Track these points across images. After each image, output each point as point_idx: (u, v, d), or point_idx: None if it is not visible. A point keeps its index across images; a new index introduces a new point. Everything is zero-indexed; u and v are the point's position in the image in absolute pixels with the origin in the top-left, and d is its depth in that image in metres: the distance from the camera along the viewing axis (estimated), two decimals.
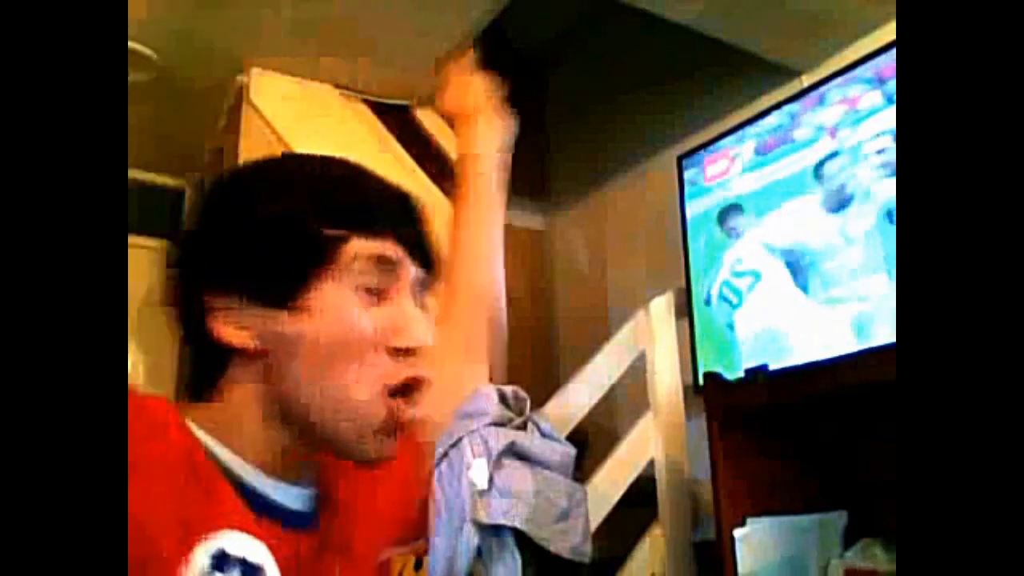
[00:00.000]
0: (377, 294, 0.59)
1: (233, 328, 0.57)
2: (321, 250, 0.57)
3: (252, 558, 0.55)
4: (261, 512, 0.57)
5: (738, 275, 2.01)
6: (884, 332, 1.65)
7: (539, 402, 1.80)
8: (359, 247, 0.58)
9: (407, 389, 0.59)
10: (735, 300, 2.00)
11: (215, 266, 0.59)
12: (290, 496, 0.60)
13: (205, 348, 0.59)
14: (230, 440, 0.58)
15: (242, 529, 0.55)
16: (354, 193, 0.61)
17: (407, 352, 0.59)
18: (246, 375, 0.59)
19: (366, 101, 2.44)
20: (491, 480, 1.52)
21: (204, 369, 0.61)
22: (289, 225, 0.57)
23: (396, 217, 0.61)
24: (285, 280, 0.57)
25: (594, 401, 1.96)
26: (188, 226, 0.62)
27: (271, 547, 0.57)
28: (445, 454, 1.58)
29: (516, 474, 1.55)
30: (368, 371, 0.57)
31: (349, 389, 0.57)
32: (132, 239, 2.62)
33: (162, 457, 0.53)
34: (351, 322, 0.57)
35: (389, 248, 0.59)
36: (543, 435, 1.67)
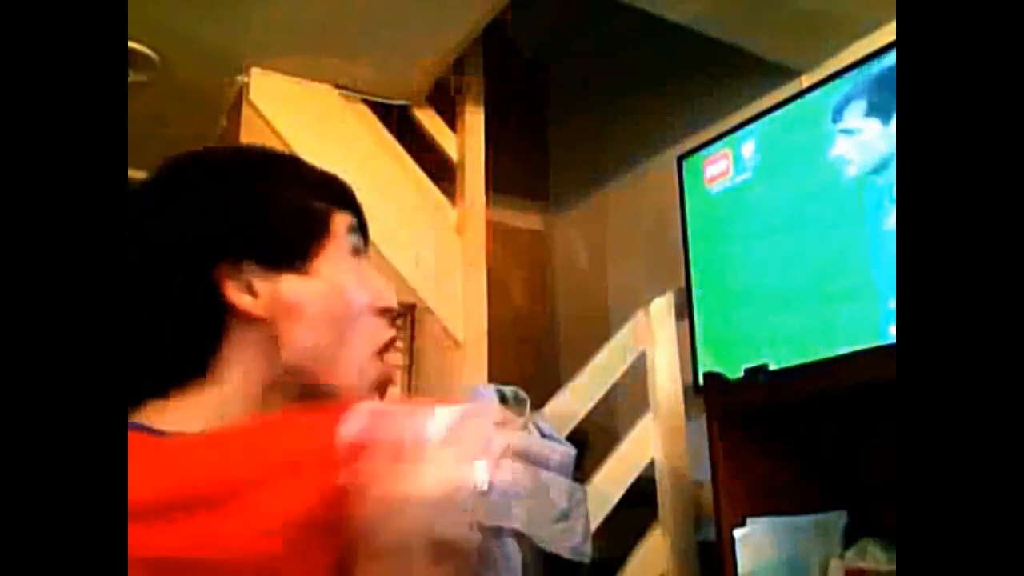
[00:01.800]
0: (360, 257, 0.66)
1: (247, 296, 0.60)
2: (321, 222, 0.64)
3: None
4: None
5: None
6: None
7: (539, 402, 1.80)
8: (341, 218, 0.66)
9: (388, 348, 0.65)
10: None
11: (231, 240, 0.61)
12: None
13: (201, 326, 0.60)
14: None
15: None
16: (325, 175, 0.69)
17: (389, 312, 0.66)
18: (246, 350, 0.60)
19: (366, 101, 2.44)
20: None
21: (192, 353, 0.60)
22: (301, 202, 0.64)
23: (351, 196, 0.69)
24: (296, 248, 0.62)
25: (594, 401, 1.96)
26: (181, 203, 0.63)
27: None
28: None
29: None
30: (363, 332, 0.63)
31: (352, 350, 0.62)
32: None
33: None
34: (351, 285, 0.63)
35: (355, 220, 0.67)
36: (543, 435, 1.67)
